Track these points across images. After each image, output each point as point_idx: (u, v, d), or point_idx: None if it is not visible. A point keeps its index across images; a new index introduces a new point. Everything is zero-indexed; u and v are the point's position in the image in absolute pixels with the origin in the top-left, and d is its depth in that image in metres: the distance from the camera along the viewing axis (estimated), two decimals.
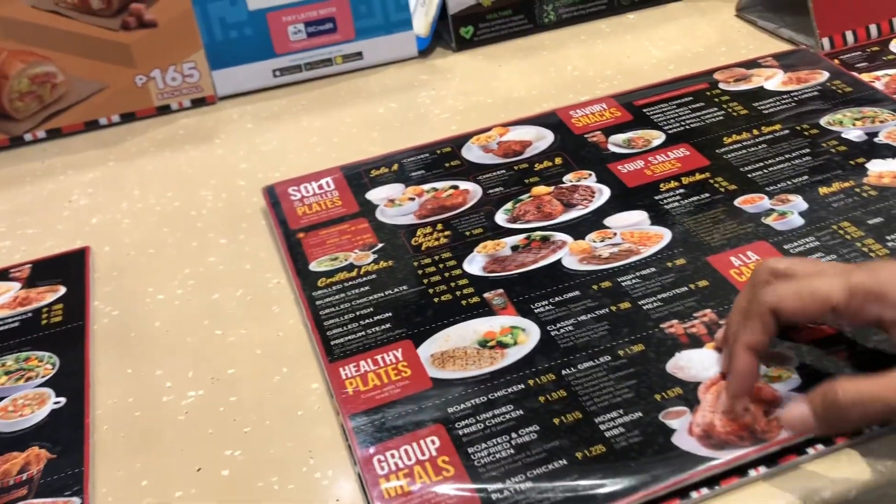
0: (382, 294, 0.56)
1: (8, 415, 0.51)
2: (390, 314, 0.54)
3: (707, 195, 0.61)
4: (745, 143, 0.66)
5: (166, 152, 0.76)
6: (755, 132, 0.67)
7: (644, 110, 0.71)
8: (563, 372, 0.49)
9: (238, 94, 0.82)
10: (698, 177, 0.63)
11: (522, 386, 0.48)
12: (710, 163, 0.64)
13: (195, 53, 0.78)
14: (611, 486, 0.42)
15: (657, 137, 0.68)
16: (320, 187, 0.66)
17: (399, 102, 0.79)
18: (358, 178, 0.67)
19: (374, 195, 0.65)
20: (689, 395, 0.46)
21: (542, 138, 0.69)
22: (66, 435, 0.49)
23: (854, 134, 0.65)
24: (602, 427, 0.45)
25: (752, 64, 0.75)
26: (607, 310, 0.52)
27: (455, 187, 0.65)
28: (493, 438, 0.45)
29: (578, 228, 0.59)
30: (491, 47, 0.86)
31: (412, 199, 0.64)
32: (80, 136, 0.78)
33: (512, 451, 0.45)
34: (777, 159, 0.64)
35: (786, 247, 0.55)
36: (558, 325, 0.52)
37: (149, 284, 0.61)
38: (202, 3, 0.77)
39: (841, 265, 0.45)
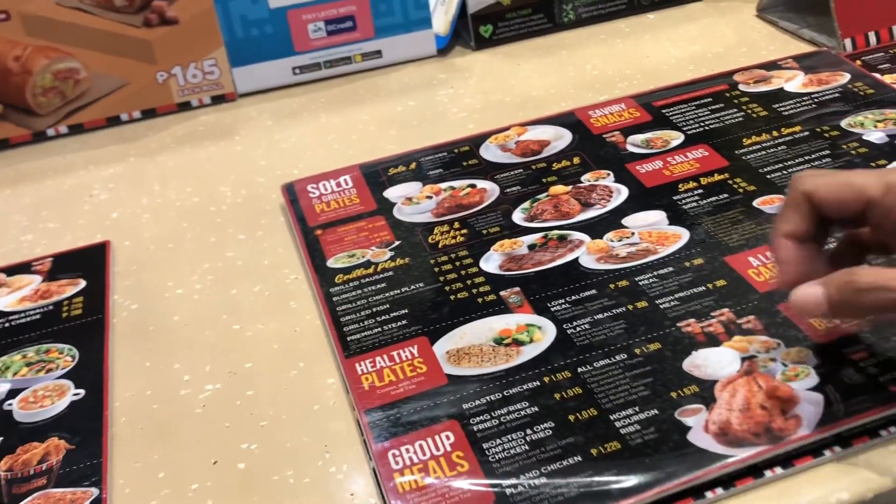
0: (399, 291, 0.56)
1: (28, 406, 0.51)
2: (406, 311, 0.54)
3: (726, 196, 0.61)
4: (764, 145, 0.65)
5: (186, 148, 0.76)
6: (775, 133, 0.66)
7: (663, 111, 0.71)
8: (579, 369, 0.49)
9: (258, 92, 0.82)
10: (717, 177, 0.63)
11: (538, 383, 0.48)
12: (729, 164, 0.64)
13: (216, 51, 0.79)
14: (625, 482, 0.42)
15: (676, 138, 0.67)
16: (338, 185, 0.67)
17: (417, 101, 0.79)
18: (376, 176, 0.67)
19: (391, 193, 0.65)
20: (705, 392, 0.46)
21: (561, 138, 0.69)
22: (85, 426, 0.50)
23: (876, 136, 0.65)
24: (617, 424, 0.45)
25: (772, 65, 0.75)
26: (624, 308, 0.52)
27: (473, 186, 0.65)
28: (508, 434, 0.45)
29: (596, 228, 0.59)
30: (510, 46, 0.86)
31: (429, 197, 0.64)
32: (101, 131, 0.79)
33: (526, 447, 0.45)
34: (797, 161, 0.63)
35: None
36: (574, 324, 0.52)
37: (168, 279, 0.62)
38: (223, 1, 0.78)
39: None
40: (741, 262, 0.55)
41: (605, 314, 0.52)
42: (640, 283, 0.54)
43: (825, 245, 0.46)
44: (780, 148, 0.65)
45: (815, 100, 0.70)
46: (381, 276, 0.58)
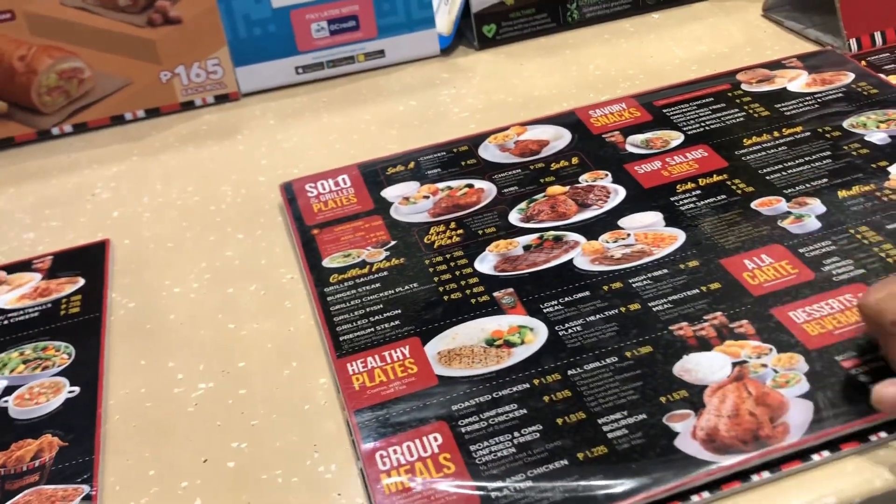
0: (393, 291, 0.56)
1: (24, 402, 0.52)
2: (399, 311, 0.55)
3: (724, 197, 0.60)
4: (764, 145, 0.65)
5: (189, 147, 0.77)
6: (776, 134, 0.66)
7: (664, 111, 0.70)
8: (569, 372, 0.49)
9: (261, 91, 0.82)
10: (716, 178, 0.62)
11: (527, 385, 0.48)
12: (729, 164, 0.63)
13: (219, 50, 0.79)
14: (611, 487, 0.42)
15: (676, 138, 0.67)
16: (336, 184, 0.67)
17: (419, 101, 0.79)
18: (374, 175, 0.67)
19: (389, 193, 0.65)
20: (694, 398, 0.46)
21: (560, 138, 0.69)
22: (78, 423, 0.50)
23: (878, 137, 0.64)
24: (605, 428, 0.45)
25: (775, 65, 0.74)
26: (617, 311, 0.52)
27: (470, 186, 0.65)
28: (496, 437, 0.45)
29: (592, 229, 0.59)
30: (514, 46, 0.86)
31: (427, 197, 0.64)
32: (105, 130, 0.80)
33: (514, 449, 0.45)
34: (797, 162, 0.63)
35: (801, 250, 0.54)
36: (566, 326, 0.52)
37: (166, 277, 0.62)
38: (226, 1, 0.78)
39: None
40: (736, 265, 0.54)
41: (598, 316, 0.52)
42: (633, 285, 0.54)
43: None
44: (780, 148, 0.64)
45: (819, 100, 0.69)
46: (376, 276, 0.58)
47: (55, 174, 0.75)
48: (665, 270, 0.55)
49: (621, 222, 0.59)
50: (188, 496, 0.46)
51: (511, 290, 0.55)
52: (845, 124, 0.66)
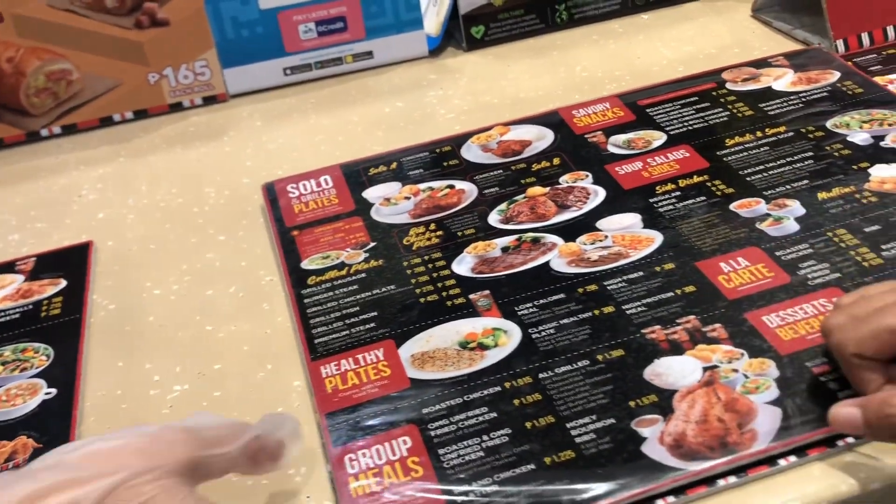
0: (370, 293, 0.56)
1: (1, 404, 0.52)
2: (376, 314, 0.55)
3: (703, 198, 0.60)
4: (747, 146, 0.65)
5: (176, 149, 0.77)
6: (759, 134, 0.66)
7: (647, 110, 0.70)
8: (541, 375, 0.49)
9: (250, 92, 0.82)
10: (696, 179, 0.62)
11: (499, 388, 0.48)
12: (710, 165, 0.63)
13: (207, 52, 0.79)
14: (576, 493, 0.42)
15: (658, 138, 0.67)
16: (318, 185, 0.67)
17: (406, 102, 0.79)
18: (356, 176, 0.68)
19: (370, 194, 0.65)
20: (663, 402, 0.46)
21: (543, 138, 0.69)
22: (54, 425, 0.51)
23: (860, 137, 0.64)
24: (573, 433, 0.45)
25: (762, 63, 0.74)
26: (590, 313, 0.52)
27: (451, 187, 0.65)
28: (465, 440, 0.46)
29: (570, 230, 0.59)
30: (502, 47, 0.86)
31: (408, 198, 0.64)
32: (94, 132, 0.80)
33: (482, 453, 0.45)
34: (779, 162, 0.62)
35: (777, 253, 0.54)
36: (540, 328, 0.52)
37: (147, 279, 0.62)
38: (214, 2, 0.78)
39: None
40: (712, 268, 0.54)
41: (571, 319, 0.52)
42: (608, 288, 0.54)
43: None
44: (762, 149, 0.64)
45: (803, 99, 0.69)
46: (354, 277, 0.58)
47: (43, 175, 0.76)
48: (641, 273, 0.55)
49: (599, 224, 0.59)
50: None
51: (487, 292, 0.55)
52: (828, 124, 0.65)
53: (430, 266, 0.58)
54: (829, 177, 0.60)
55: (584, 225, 0.59)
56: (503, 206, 0.62)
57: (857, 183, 0.59)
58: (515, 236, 0.59)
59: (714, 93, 0.71)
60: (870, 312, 0.43)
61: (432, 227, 0.61)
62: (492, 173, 0.66)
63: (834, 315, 0.45)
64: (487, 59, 0.84)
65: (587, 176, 0.64)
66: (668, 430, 0.44)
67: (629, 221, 0.59)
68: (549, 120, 0.71)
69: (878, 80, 0.70)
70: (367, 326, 0.54)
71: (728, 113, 0.69)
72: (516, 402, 0.47)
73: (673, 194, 0.61)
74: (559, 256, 0.57)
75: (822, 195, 0.59)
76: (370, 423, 0.47)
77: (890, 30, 0.75)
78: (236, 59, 0.81)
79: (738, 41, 0.81)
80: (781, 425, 0.44)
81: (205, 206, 0.69)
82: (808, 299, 0.51)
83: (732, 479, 0.42)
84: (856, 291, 0.46)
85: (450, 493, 0.43)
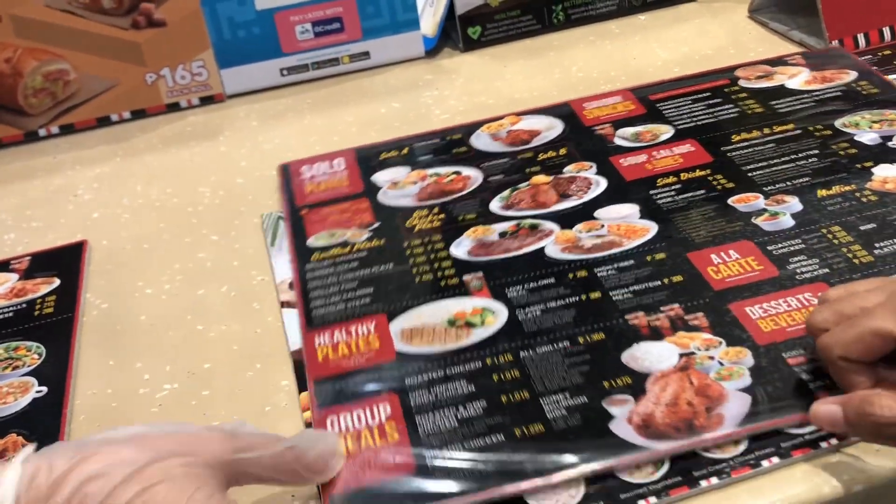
0: (369, 270, 0.58)
1: None
2: (372, 289, 0.57)
3: (703, 192, 0.61)
4: (752, 142, 0.65)
5: (172, 149, 0.78)
6: (766, 131, 0.66)
7: (658, 105, 0.71)
8: (521, 354, 0.50)
9: (247, 93, 0.83)
10: (698, 173, 0.63)
11: (480, 364, 0.50)
12: (713, 160, 0.64)
13: (204, 52, 0.80)
14: (540, 463, 0.43)
15: (665, 132, 0.68)
16: (331, 167, 0.69)
17: (402, 102, 0.80)
18: (368, 160, 0.70)
19: (379, 177, 0.67)
20: (637, 385, 0.47)
21: (552, 128, 0.70)
22: (44, 423, 0.51)
23: (868, 137, 0.64)
24: (546, 408, 0.46)
25: (777, 62, 0.74)
26: (577, 298, 0.53)
27: (457, 173, 0.67)
28: (441, 410, 0.47)
29: (568, 218, 0.60)
30: (498, 48, 0.86)
31: (415, 182, 0.66)
32: (92, 131, 0.81)
33: (455, 423, 0.46)
34: (782, 159, 0.63)
35: (769, 248, 0.55)
36: (527, 310, 0.53)
37: (139, 279, 0.63)
38: (211, 3, 0.79)
39: (885, 286, 0.44)
40: (702, 259, 0.55)
41: (559, 302, 0.53)
42: (598, 275, 0.55)
43: None
44: (767, 146, 0.64)
45: (816, 97, 0.69)
46: (356, 255, 0.60)
47: (39, 175, 0.76)
48: (631, 261, 0.56)
49: (597, 213, 0.60)
50: None
51: (480, 273, 0.57)
52: (837, 123, 0.65)
53: (428, 247, 0.60)
54: (831, 174, 0.60)
55: (583, 214, 0.61)
56: (506, 193, 0.64)
57: (858, 181, 0.59)
58: (514, 222, 0.61)
59: (726, 89, 0.72)
60: (856, 312, 0.43)
61: (435, 210, 0.63)
62: (498, 161, 0.67)
63: (820, 311, 0.45)
64: (484, 60, 0.85)
65: (591, 166, 0.65)
66: (638, 411, 0.45)
67: (627, 212, 0.60)
68: (560, 111, 0.72)
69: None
70: (363, 301, 0.56)
71: (738, 109, 0.69)
72: (495, 377, 0.49)
73: (673, 187, 0.62)
74: (554, 243, 0.58)
75: (821, 192, 0.59)
76: (354, 390, 0.49)
77: (886, 31, 0.75)
78: (233, 59, 0.82)
79: (734, 42, 0.81)
80: (749, 411, 0.44)
81: (199, 206, 0.70)
82: (793, 293, 0.51)
83: (715, 481, 0.42)
84: (842, 286, 0.47)
85: (421, 457, 0.45)
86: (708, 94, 0.71)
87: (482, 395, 0.48)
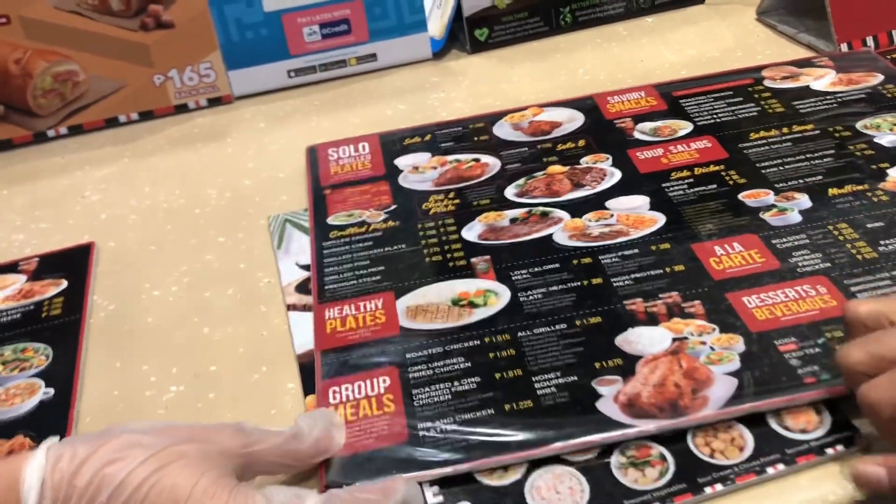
0: (382, 250, 0.60)
1: (0, 404, 0.53)
2: (383, 268, 0.59)
3: (714, 186, 0.62)
4: (770, 140, 0.65)
5: (179, 150, 0.78)
6: (784, 130, 0.66)
7: (680, 101, 0.72)
8: (519, 334, 0.52)
9: (254, 94, 0.84)
10: (712, 168, 0.63)
11: (478, 342, 0.52)
12: (729, 156, 0.64)
13: (212, 54, 0.81)
14: (525, 436, 0.45)
15: (685, 128, 0.68)
16: (356, 150, 0.72)
17: (408, 104, 0.80)
18: (392, 144, 0.72)
19: (401, 161, 0.70)
20: (627, 366, 0.48)
21: (573, 120, 0.71)
22: (50, 425, 0.51)
23: (888, 139, 0.63)
24: (536, 385, 0.48)
25: (804, 63, 0.74)
26: (579, 283, 0.55)
27: (477, 160, 0.69)
28: (437, 384, 0.49)
29: (579, 207, 0.62)
30: (506, 50, 0.86)
31: (435, 167, 0.68)
32: (100, 132, 0.82)
33: (449, 396, 0.48)
34: (797, 158, 0.63)
35: (773, 241, 0.55)
36: (529, 293, 0.54)
37: (146, 280, 0.63)
38: (218, 5, 0.79)
39: None
40: (706, 251, 0.56)
41: (560, 286, 0.55)
42: (602, 262, 0.56)
43: None
44: (784, 144, 0.65)
45: (839, 99, 0.69)
46: (371, 235, 0.62)
47: (48, 176, 0.77)
48: (636, 250, 0.57)
49: (608, 203, 0.62)
50: None
51: (488, 257, 0.58)
52: (858, 125, 0.65)
53: (441, 230, 0.62)
54: (844, 174, 0.60)
55: (594, 203, 0.62)
56: (521, 180, 0.65)
57: (872, 182, 0.59)
58: (526, 209, 0.62)
59: (750, 88, 0.72)
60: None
61: (451, 195, 0.65)
62: (517, 150, 0.69)
63: (854, 350, 0.43)
64: (491, 62, 0.85)
65: (607, 158, 0.66)
66: (625, 391, 0.47)
67: (637, 203, 0.61)
68: (583, 104, 0.73)
69: None
70: (374, 279, 0.58)
71: (759, 108, 0.69)
72: (491, 355, 0.51)
73: (686, 181, 0.62)
74: (563, 230, 0.60)
75: (832, 191, 0.59)
76: (358, 362, 0.52)
77: (895, 33, 0.74)
78: (241, 61, 0.82)
79: (742, 45, 0.81)
80: (734, 394, 0.45)
81: (206, 208, 0.70)
82: (791, 285, 0.52)
83: (719, 488, 0.43)
84: (871, 303, 0.44)
85: (413, 427, 0.47)
86: (730, 92, 0.72)
87: (477, 371, 0.50)
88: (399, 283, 0.57)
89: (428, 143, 0.71)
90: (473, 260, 0.58)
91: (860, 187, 0.59)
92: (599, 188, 0.63)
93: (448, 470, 0.44)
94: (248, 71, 0.83)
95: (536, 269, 0.56)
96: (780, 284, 0.52)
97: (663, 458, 0.44)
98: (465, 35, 0.86)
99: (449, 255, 0.59)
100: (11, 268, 0.65)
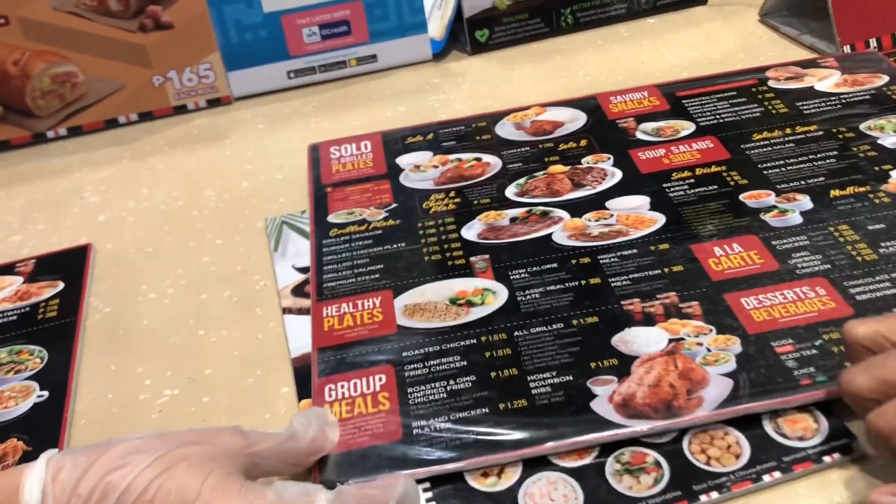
0: (381, 248, 0.61)
1: None
2: (382, 266, 0.59)
3: (715, 187, 0.61)
4: (772, 141, 0.65)
5: (178, 151, 0.78)
6: (787, 131, 0.66)
7: (683, 101, 0.71)
8: (515, 333, 0.52)
9: (253, 95, 0.84)
10: (714, 169, 0.63)
11: (474, 341, 0.52)
12: (731, 157, 0.64)
13: (211, 55, 0.80)
14: (518, 435, 0.45)
15: (687, 128, 0.68)
16: (358, 148, 0.72)
17: (407, 106, 0.80)
18: (393, 143, 0.72)
19: (402, 160, 0.70)
20: (623, 366, 0.48)
21: (575, 120, 0.71)
22: (44, 428, 0.51)
23: (891, 141, 0.63)
24: (531, 385, 0.48)
25: (809, 63, 0.74)
26: (577, 283, 0.54)
27: (478, 159, 0.68)
28: (433, 382, 0.49)
29: (580, 207, 0.61)
30: (506, 51, 0.86)
31: (436, 166, 0.68)
32: (99, 133, 0.81)
33: (444, 395, 0.48)
34: (799, 159, 0.63)
35: (773, 243, 0.55)
36: (526, 292, 0.54)
37: (143, 283, 0.63)
38: (218, 6, 0.79)
39: None
40: (705, 251, 0.55)
41: (558, 286, 0.55)
42: (601, 262, 0.56)
43: None
44: (787, 145, 0.64)
45: (843, 100, 0.68)
46: (371, 233, 0.62)
47: (47, 177, 0.77)
48: (634, 250, 0.56)
49: (609, 203, 0.61)
50: None
51: (487, 256, 0.58)
52: (862, 126, 0.65)
53: (441, 229, 0.62)
54: (846, 176, 0.60)
55: (594, 203, 0.62)
56: (522, 180, 0.65)
57: (874, 183, 0.59)
58: (526, 208, 0.62)
59: (754, 89, 0.72)
60: None
61: (452, 194, 0.65)
62: (519, 150, 0.69)
63: (857, 374, 0.42)
64: (491, 63, 0.85)
65: (609, 158, 0.66)
66: (620, 391, 0.47)
67: (637, 203, 0.61)
68: (586, 104, 0.73)
69: None
70: (372, 277, 0.58)
71: (762, 109, 0.69)
72: (487, 354, 0.51)
73: (687, 181, 0.62)
74: (563, 230, 0.59)
75: (834, 192, 0.59)
76: (354, 360, 0.52)
77: None
78: (240, 62, 0.82)
79: (744, 46, 0.80)
80: (729, 395, 0.45)
81: (203, 210, 0.70)
82: (790, 286, 0.52)
83: (715, 495, 0.42)
84: (869, 323, 0.43)
85: (408, 426, 0.47)
86: (734, 93, 0.71)
87: (473, 370, 0.50)
88: (398, 281, 0.57)
89: (429, 142, 0.71)
90: (472, 259, 0.58)
91: (862, 189, 0.59)
92: (600, 188, 0.63)
93: (440, 468, 0.44)
94: (248, 72, 0.83)
95: (535, 269, 0.56)
96: (778, 286, 0.52)
97: (658, 464, 0.44)
98: (466, 36, 0.86)
99: (448, 254, 0.59)
100: (8, 269, 0.65)
